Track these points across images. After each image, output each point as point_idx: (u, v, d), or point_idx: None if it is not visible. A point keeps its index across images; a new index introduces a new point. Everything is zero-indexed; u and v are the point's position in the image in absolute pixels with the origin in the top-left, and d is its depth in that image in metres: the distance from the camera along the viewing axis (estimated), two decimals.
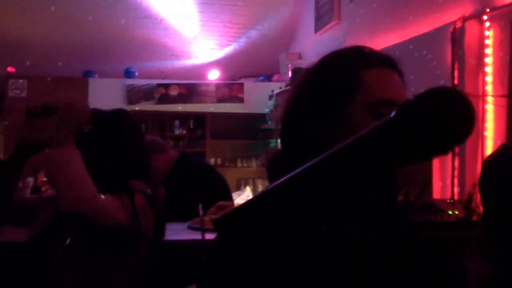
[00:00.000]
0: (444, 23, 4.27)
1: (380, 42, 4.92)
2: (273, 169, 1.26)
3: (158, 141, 3.88)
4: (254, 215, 0.80)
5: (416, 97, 0.61)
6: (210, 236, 2.55)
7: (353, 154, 0.67)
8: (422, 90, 0.61)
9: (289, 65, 7.42)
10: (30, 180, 4.19)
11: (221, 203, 3.31)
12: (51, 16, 7.74)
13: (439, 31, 4.32)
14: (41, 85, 8.13)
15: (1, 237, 2.56)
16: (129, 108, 8.08)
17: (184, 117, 9.20)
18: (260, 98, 8.50)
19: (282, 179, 0.74)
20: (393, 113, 0.62)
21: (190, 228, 3.18)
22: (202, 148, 9.05)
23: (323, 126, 1.15)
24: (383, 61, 1.20)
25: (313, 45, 7.64)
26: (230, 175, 3.73)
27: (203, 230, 2.58)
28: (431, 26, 4.47)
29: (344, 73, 1.17)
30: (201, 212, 2.67)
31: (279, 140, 1.27)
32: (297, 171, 0.72)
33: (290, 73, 7.28)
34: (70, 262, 2.22)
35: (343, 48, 1.29)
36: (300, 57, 8.07)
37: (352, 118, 1.13)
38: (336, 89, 1.16)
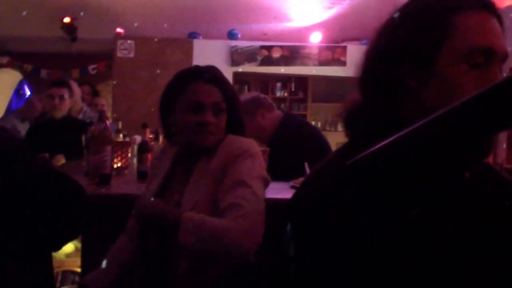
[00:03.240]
0: None
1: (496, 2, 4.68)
2: (351, 119, 1.23)
3: (266, 99, 3.86)
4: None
5: None
6: None
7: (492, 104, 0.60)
8: None
9: None
10: (138, 137, 4.32)
11: None
12: None
13: None
14: (148, 46, 8.35)
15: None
16: (232, 69, 8.19)
17: (286, 79, 9.22)
18: None
19: (414, 127, 0.68)
20: None
21: (293, 187, 3.20)
22: (303, 110, 9.06)
23: (411, 75, 1.06)
24: (481, 3, 1.07)
25: None
26: (330, 139, 3.67)
27: None
28: None
29: (435, 16, 1.06)
30: (308, 171, 2.64)
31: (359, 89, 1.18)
32: (432, 117, 0.66)
33: None
34: None
35: None
36: None
37: (444, 67, 1.03)
38: (425, 34, 1.05)
